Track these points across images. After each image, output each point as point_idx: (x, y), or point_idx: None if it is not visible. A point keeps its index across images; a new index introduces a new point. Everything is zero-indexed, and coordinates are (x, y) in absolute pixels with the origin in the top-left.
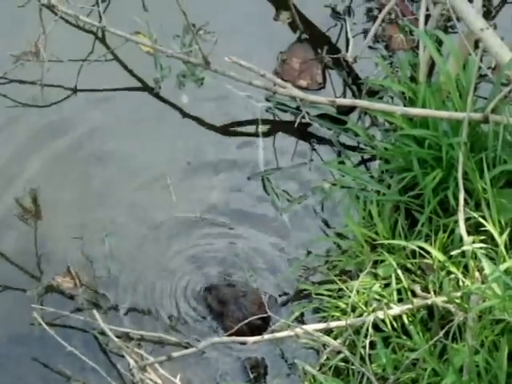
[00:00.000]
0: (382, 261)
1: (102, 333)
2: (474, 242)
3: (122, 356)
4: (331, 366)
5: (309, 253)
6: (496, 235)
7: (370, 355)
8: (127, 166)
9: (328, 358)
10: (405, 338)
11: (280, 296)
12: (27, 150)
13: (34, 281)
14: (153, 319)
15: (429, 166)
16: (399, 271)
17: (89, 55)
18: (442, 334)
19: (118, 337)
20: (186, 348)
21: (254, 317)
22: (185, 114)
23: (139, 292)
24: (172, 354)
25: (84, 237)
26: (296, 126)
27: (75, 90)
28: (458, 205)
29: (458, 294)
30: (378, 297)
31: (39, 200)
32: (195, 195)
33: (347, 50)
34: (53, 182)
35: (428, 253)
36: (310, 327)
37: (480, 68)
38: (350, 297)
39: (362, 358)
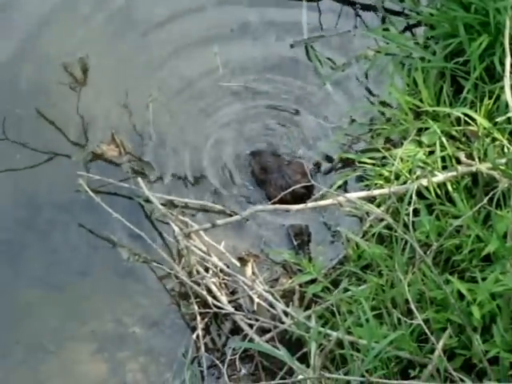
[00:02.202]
0: (427, 128)
1: (147, 200)
2: None
3: (167, 223)
4: (374, 234)
5: (352, 121)
6: None
7: (413, 222)
8: (172, 35)
9: (371, 226)
10: (449, 205)
11: (323, 165)
12: (71, 19)
13: (79, 148)
14: (197, 187)
15: (475, 32)
16: (444, 138)
17: None
18: (486, 200)
19: (162, 204)
20: (230, 216)
21: (298, 185)
22: None
23: (183, 160)
24: (216, 222)
25: (129, 104)
26: None
27: None
28: (504, 71)
29: (503, 160)
30: (421, 164)
31: (88, 68)
32: (239, 64)
33: None
34: (98, 49)
35: (473, 120)
36: (353, 195)
37: None
38: (393, 164)
39: (406, 225)
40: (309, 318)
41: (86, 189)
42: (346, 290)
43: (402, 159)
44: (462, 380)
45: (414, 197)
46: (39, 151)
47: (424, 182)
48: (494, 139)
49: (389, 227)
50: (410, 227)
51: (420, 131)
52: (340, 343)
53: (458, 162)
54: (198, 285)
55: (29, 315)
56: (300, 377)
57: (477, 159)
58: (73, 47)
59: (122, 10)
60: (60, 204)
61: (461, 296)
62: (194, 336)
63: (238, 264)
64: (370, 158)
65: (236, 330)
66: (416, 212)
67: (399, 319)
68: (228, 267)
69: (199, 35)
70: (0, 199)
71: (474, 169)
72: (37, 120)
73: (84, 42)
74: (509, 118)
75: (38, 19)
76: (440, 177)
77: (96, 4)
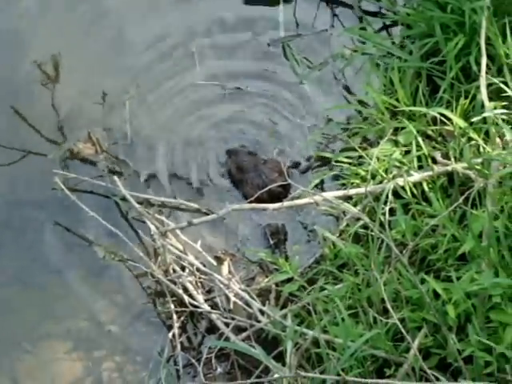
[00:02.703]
0: (403, 128)
1: (123, 199)
2: (495, 108)
3: (143, 222)
4: (351, 233)
5: (329, 120)
6: None
7: (389, 222)
8: (149, 31)
9: (347, 225)
10: (424, 204)
11: (300, 164)
12: (44, 15)
13: (56, 147)
14: (173, 186)
15: (451, 32)
16: (420, 138)
17: None
18: (461, 200)
19: (139, 203)
20: (207, 214)
21: (274, 184)
22: None
23: (160, 159)
24: (193, 221)
25: (105, 102)
26: None
27: None
28: (480, 70)
29: (479, 160)
30: (398, 164)
31: (60, 65)
32: (216, 63)
33: None
34: (72, 46)
35: (449, 119)
36: (329, 194)
37: None
38: (369, 164)
39: (382, 225)
40: (285, 316)
41: (61, 187)
42: (322, 288)
43: (378, 158)
44: (437, 379)
45: (390, 196)
46: (15, 149)
47: (400, 181)
48: (469, 139)
49: (365, 226)
50: (386, 226)
51: (396, 131)
52: (316, 342)
53: (434, 161)
54: (175, 283)
55: (4, 313)
56: (276, 375)
57: (453, 159)
58: (45, 44)
59: (96, 6)
60: (36, 202)
61: (436, 295)
62: (170, 335)
63: (215, 263)
64: (346, 158)
65: (212, 328)
66: (392, 211)
67: (375, 318)
68: (204, 266)
69: (176, 33)
70: None
71: (449, 168)
72: (12, 118)
73: (56, 39)
74: (484, 118)
75: (10, 17)
76: (416, 176)
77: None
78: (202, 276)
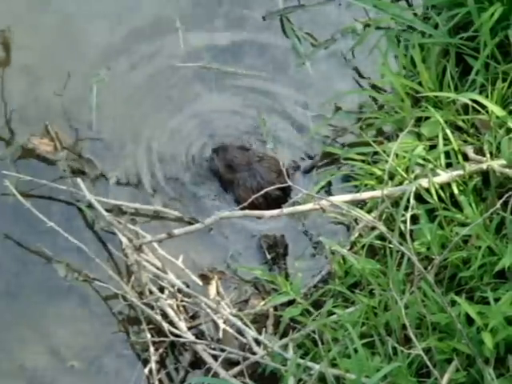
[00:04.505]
0: (427, 118)
1: (89, 206)
2: None
3: (113, 233)
4: (364, 245)
5: (337, 109)
6: None
7: (411, 231)
8: (123, 2)
9: (360, 236)
10: (454, 210)
11: (303, 161)
12: None
13: (5, 143)
14: (149, 190)
15: (485, 0)
16: (448, 130)
17: None
18: (499, 204)
19: (107, 210)
20: (190, 224)
21: (272, 186)
22: None
23: (133, 156)
24: (173, 232)
25: (66, 87)
26: None
27: None
28: None
29: None
30: (421, 161)
31: (10, 44)
32: (202, 40)
33: None
34: (24, 21)
35: (483, 107)
36: (338, 198)
37: None
38: (387, 161)
39: (402, 235)
40: (285, 347)
41: (13, 192)
42: (330, 313)
43: (397, 155)
44: None
45: (412, 200)
46: None
47: (424, 182)
48: (508, 130)
49: (382, 237)
50: (408, 237)
51: (419, 121)
52: (323, 378)
53: (466, 158)
54: (152, 308)
55: None
56: None
57: (488, 155)
58: None
59: None
60: None
61: (469, 320)
62: (147, 370)
63: (200, 283)
64: (358, 154)
65: (197, 362)
66: (415, 219)
67: (395, 348)
68: (188, 286)
69: (157, 3)
70: None
71: (484, 166)
72: None
73: (4, 13)
74: None
75: None
76: (443, 176)
77: None
78: (185, 299)
